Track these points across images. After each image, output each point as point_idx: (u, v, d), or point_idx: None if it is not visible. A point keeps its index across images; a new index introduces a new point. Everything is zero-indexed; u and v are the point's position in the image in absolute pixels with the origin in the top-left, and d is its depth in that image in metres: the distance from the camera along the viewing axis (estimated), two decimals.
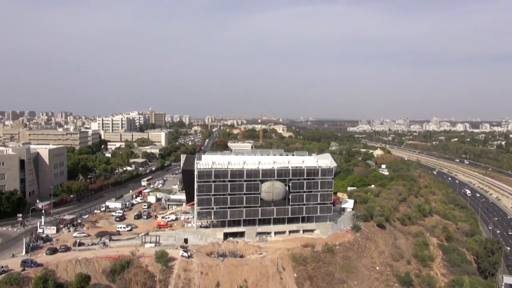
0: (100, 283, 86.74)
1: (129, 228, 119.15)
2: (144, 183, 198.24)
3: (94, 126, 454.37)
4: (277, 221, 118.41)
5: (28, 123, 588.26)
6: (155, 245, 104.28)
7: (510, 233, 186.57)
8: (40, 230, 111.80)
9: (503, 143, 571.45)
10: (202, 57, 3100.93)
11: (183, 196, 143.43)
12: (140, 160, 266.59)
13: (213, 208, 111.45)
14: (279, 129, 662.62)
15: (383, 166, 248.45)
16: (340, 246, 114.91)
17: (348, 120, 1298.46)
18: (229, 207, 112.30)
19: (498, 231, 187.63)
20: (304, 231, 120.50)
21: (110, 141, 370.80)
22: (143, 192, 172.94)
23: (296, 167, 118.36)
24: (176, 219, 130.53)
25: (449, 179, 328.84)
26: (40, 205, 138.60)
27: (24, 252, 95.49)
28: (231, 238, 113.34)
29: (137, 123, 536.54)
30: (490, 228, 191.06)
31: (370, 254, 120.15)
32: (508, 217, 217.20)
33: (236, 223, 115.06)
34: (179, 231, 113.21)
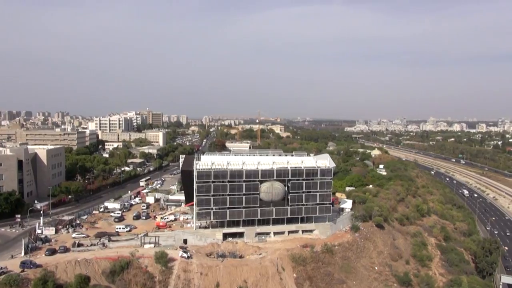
0: (99, 284, 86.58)
1: (128, 229, 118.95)
2: (142, 183, 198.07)
3: (91, 126, 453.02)
4: (276, 222, 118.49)
5: (24, 123, 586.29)
6: (154, 246, 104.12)
7: (508, 233, 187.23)
8: (39, 231, 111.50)
9: (499, 143, 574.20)
10: (200, 57, 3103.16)
11: (181, 197, 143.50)
12: (138, 160, 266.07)
13: (212, 209, 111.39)
14: (277, 129, 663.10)
15: (381, 166, 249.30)
16: (339, 247, 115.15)
17: (345, 120, 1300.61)
18: (228, 208, 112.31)
19: (495, 232, 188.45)
20: (303, 231, 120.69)
21: (107, 141, 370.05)
22: (142, 192, 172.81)
23: (295, 167, 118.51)
24: (175, 219, 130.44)
25: (447, 179, 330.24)
26: (38, 205, 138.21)
27: (23, 253, 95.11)
28: (231, 239, 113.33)
29: (135, 123, 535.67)
30: (488, 228, 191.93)
31: (369, 254, 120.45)
32: (506, 217, 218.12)
33: (235, 223, 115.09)
34: (178, 231, 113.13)
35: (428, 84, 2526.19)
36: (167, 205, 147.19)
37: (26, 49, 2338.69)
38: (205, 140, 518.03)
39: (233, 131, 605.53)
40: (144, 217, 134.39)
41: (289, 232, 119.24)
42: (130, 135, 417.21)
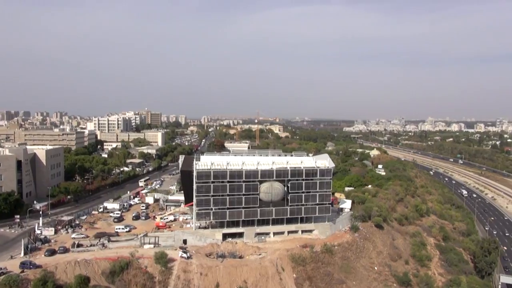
0: (99, 284, 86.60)
1: (127, 229, 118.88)
2: (141, 183, 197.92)
3: (90, 126, 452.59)
4: (276, 222, 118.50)
5: (23, 123, 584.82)
6: (154, 246, 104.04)
7: (507, 234, 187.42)
8: (38, 232, 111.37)
9: (497, 143, 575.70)
10: (199, 56, 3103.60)
11: (181, 197, 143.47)
12: (137, 160, 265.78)
13: (212, 209, 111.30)
14: (276, 129, 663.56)
15: (380, 166, 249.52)
16: (338, 247, 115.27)
17: (344, 120, 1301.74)
18: (228, 208, 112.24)
19: (494, 232, 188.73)
20: (302, 231, 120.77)
21: (106, 142, 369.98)
22: (141, 193, 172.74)
23: (295, 167, 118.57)
24: (175, 220, 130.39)
25: (446, 179, 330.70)
26: (37, 206, 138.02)
27: (22, 254, 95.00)
28: (230, 239, 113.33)
29: (133, 123, 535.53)
30: (486, 228, 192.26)
31: (368, 254, 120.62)
32: (505, 218, 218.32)
33: (235, 223, 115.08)
34: (178, 232, 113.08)
35: (427, 84, 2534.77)
36: (166, 206, 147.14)
37: (25, 48, 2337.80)
38: (204, 140, 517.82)
39: (232, 131, 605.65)
40: (143, 218, 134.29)
41: (289, 232, 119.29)
42: (129, 135, 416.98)
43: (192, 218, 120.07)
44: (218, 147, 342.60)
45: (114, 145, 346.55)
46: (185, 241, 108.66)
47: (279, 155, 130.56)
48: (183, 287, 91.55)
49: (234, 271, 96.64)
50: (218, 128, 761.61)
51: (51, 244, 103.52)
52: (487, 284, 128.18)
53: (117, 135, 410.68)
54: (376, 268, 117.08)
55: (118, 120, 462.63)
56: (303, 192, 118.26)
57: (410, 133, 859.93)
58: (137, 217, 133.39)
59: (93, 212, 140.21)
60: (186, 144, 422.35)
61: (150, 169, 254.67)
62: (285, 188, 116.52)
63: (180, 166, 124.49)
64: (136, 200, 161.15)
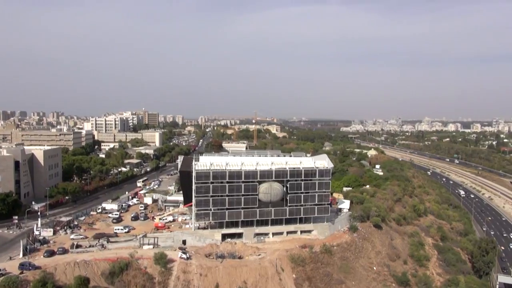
0: (99, 285, 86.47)
1: (126, 230, 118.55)
2: (139, 184, 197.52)
3: (87, 126, 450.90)
4: (275, 222, 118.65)
5: (19, 123, 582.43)
6: (153, 247, 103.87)
7: (505, 234, 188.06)
8: (37, 232, 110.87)
9: (494, 143, 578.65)
10: (197, 57, 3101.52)
11: (179, 197, 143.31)
12: (134, 161, 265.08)
13: (211, 210, 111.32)
14: (273, 129, 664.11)
15: (377, 166, 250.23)
16: (337, 247, 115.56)
17: (341, 120, 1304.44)
18: (227, 208, 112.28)
19: (492, 232, 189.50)
20: (301, 232, 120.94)
21: (103, 142, 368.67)
22: (139, 193, 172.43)
23: (294, 168, 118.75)
24: (174, 220, 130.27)
25: (443, 179, 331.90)
26: (36, 207, 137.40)
27: (21, 255, 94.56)
28: (229, 239, 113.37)
29: (131, 124, 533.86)
30: (484, 229, 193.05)
31: (367, 255, 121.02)
32: (503, 218, 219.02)
33: (234, 224, 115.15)
34: (177, 232, 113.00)
35: (423, 85, 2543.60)
36: (165, 206, 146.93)
37: (22, 48, 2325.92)
38: (201, 141, 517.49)
39: (229, 131, 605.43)
40: (142, 218, 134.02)
41: (288, 232, 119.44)
42: (126, 135, 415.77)
43: (191, 218, 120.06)
44: (216, 147, 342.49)
45: (111, 145, 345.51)
46: (184, 242, 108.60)
47: (278, 156, 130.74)
48: (183, 287, 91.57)
49: (234, 271, 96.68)
50: (215, 128, 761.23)
51: (50, 245, 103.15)
52: (485, 284, 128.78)
53: (114, 135, 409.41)
54: (375, 268, 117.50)
55: (115, 120, 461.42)
56: (302, 193, 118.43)
57: (407, 133, 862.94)
58: (136, 218, 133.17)
59: (92, 212, 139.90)
60: (184, 144, 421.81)
61: (148, 169, 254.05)
62: (284, 188, 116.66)
63: (179, 167, 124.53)
64: (134, 200, 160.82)
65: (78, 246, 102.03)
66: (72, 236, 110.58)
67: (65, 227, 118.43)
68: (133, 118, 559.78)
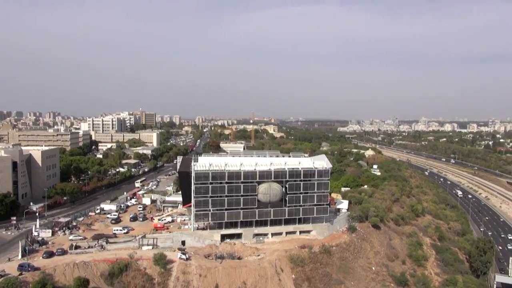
0: (98, 286, 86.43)
1: (125, 231, 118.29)
2: (137, 184, 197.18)
3: (84, 126, 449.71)
4: (274, 223, 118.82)
5: (16, 123, 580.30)
6: (152, 248, 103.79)
7: (502, 235, 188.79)
8: (35, 233, 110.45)
9: (490, 143, 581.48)
10: (195, 57, 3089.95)
11: (178, 198, 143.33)
12: (132, 161, 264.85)
13: (210, 210, 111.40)
14: (270, 129, 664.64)
15: (375, 166, 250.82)
16: (336, 247, 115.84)
17: (338, 120, 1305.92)
18: (226, 209, 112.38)
19: (489, 233, 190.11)
20: (300, 232, 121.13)
21: (101, 142, 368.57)
22: (138, 194, 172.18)
23: (293, 168, 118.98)
24: (173, 221, 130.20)
25: (441, 179, 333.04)
26: (34, 207, 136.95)
27: (20, 256, 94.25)
28: (228, 240, 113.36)
29: (128, 124, 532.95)
30: (482, 229, 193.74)
31: (366, 255, 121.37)
32: (501, 219, 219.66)
33: (233, 224, 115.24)
34: (176, 233, 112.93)
35: (420, 85, 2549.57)
36: (163, 207, 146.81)
37: (18, 48, 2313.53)
38: (199, 141, 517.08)
39: (227, 132, 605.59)
40: (141, 219, 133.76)
41: (287, 233, 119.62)
42: (123, 135, 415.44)
43: (190, 219, 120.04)
44: (214, 148, 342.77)
45: (109, 145, 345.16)
46: (183, 242, 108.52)
47: (277, 156, 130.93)
48: None
49: (233, 272, 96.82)
50: (212, 128, 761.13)
51: (49, 246, 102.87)
52: (482, 284, 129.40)
53: (111, 136, 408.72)
54: (373, 268, 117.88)
55: (112, 121, 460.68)
56: (301, 193, 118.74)
57: (404, 133, 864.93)
58: (134, 219, 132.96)
59: (90, 213, 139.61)
60: (181, 144, 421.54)
61: (146, 169, 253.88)
62: (283, 189, 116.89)
63: (178, 167, 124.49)
64: (133, 201, 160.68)
65: (77, 247, 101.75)
66: (71, 237, 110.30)
67: (64, 228, 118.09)
68: (130, 118, 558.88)
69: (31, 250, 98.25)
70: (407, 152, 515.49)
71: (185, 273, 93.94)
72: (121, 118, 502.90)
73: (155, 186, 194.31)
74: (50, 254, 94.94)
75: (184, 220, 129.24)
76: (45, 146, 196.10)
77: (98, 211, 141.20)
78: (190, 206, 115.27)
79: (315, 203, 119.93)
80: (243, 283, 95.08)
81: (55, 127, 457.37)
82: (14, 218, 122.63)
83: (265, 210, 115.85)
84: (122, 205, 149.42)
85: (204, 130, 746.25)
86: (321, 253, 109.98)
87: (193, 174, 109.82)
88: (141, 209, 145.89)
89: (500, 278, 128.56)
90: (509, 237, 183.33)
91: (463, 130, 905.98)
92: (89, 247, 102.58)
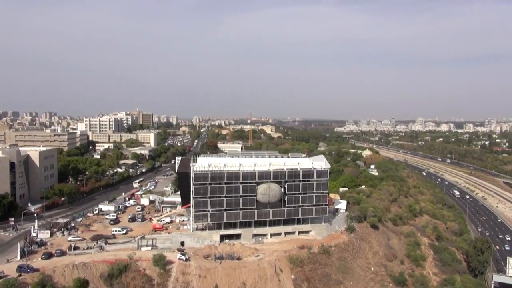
0: (98, 287, 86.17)
1: (124, 232, 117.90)
2: (136, 185, 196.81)
3: (81, 127, 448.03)
4: (273, 223, 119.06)
5: (12, 123, 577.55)
6: (151, 249, 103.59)
7: (500, 236, 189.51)
8: (34, 234, 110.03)
9: (486, 143, 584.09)
10: (193, 57, 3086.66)
11: (176, 198, 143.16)
12: (130, 161, 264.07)
13: (209, 211, 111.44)
14: (268, 129, 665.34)
15: (372, 166, 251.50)
16: (335, 247, 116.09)
17: (335, 120, 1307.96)
18: (225, 210, 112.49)
19: (487, 233, 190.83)
20: (299, 232, 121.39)
21: (98, 142, 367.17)
22: (136, 194, 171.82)
23: (292, 169, 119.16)
24: (171, 221, 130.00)
25: (439, 180, 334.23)
26: (32, 208, 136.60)
27: (19, 257, 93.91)
28: (227, 240, 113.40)
29: (125, 124, 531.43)
30: (479, 230, 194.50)
31: (364, 255, 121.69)
32: (499, 220, 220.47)
33: (232, 225, 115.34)
34: (175, 234, 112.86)
35: (417, 85, 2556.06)
36: (162, 207, 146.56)
37: (14, 48, 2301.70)
38: (196, 141, 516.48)
39: (224, 132, 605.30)
40: (139, 219, 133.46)
41: (286, 233, 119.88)
42: (121, 136, 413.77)
43: (188, 219, 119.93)
44: (211, 148, 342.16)
45: (106, 145, 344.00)
46: (182, 243, 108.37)
47: (276, 157, 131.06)
48: None
49: (233, 272, 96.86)
50: (210, 128, 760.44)
51: (48, 247, 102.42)
52: (480, 283, 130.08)
53: (109, 136, 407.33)
54: (372, 268, 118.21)
55: (109, 121, 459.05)
56: (300, 194, 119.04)
57: (400, 133, 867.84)
58: (133, 219, 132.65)
59: (89, 214, 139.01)
60: (179, 144, 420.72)
61: (144, 170, 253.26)
62: (282, 189, 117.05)
63: (177, 168, 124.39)
64: (131, 201, 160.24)
65: (76, 248, 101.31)
66: (69, 238, 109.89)
67: (62, 229, 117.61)
68: (127, 118, 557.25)
69: (30, 251, 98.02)
70: (404, 152, 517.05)
71: (184, 274, 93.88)
72: (118, 118, 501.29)
73: (153, 187, 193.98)
74: (49, 255, 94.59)
75: (183, 220, 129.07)
76: (42, 146, 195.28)
77: (97, 211, 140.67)
78: (189, 206, 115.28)
79: (314, 203, 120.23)
80: (242, 284, 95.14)
81: (52, 127, 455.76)
82: (12, 219, 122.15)
83: (264, 211, 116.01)
84: (120, 205, 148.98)
85: (202, 130, 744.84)
86: (320, 253, 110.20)
87: (192, 175, 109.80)
88: (139, 209, 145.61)
89: (497, 278, 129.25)
90: (507, 238, 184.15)
91: (460, 130, 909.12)
92: (88, 248, 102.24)
